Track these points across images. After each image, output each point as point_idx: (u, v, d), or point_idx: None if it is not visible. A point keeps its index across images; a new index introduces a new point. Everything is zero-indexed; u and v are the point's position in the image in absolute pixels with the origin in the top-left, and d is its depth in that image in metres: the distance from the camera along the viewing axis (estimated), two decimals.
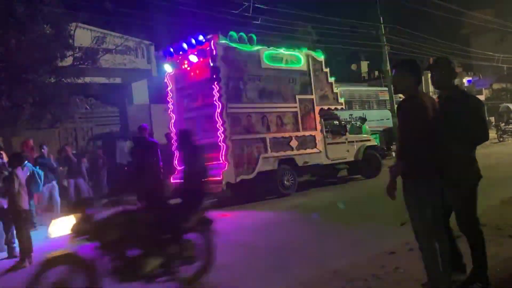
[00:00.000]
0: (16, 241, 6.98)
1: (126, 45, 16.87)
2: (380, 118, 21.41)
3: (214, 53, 10.48)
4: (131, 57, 18.55)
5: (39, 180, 7.90)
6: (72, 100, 14.26)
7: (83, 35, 15.69)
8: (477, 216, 3.71)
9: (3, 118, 12.24)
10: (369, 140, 13.82)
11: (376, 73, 40.09)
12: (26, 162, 7.59)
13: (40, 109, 13.45)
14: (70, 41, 14.36)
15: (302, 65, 12.23)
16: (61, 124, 15.62)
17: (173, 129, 11.81)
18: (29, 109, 13.12)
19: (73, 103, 14.39)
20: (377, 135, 18.38)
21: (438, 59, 3.91)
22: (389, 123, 20.97)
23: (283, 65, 11.84)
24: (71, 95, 14.14)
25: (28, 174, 7.58)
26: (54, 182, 10.65)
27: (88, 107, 16.75)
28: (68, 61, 14.35)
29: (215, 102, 10.48)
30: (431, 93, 18.24)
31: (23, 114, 12.99)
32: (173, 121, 11.86)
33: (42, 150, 10.99)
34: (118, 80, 19.34)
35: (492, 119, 34.58)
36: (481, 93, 46.13)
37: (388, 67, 22.45)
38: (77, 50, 14.93)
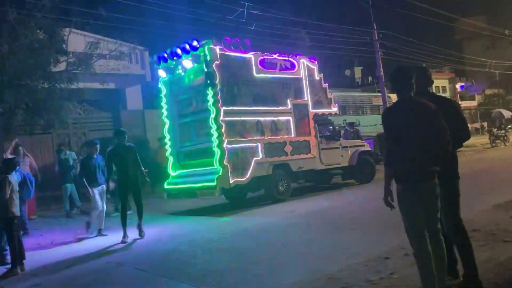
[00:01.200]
0: (8, 248, 6.90)
1: (120, 51, 16.86)
2: (374, 123, 21.48)
3: (208, 58, 10.48)
4: (125, 62, 18.53)
5: (30, 186, 7.84)
6: (65, 106, 14.17)
7: (77, 41, 15.66)
8: (460, 217, 3.80)
9: None
10: (363, 145, 13.86)
11: (370, 78, 40.32)
12: (18, 167, 7.52)
13: (33, 115, 13.40)
14: (64, 46, 14.33)
15: (296, 70, 12.26)
16: (54, 130, 15.54)
17: (167, 135, 11.79)
18: (22, 115, 13.05)
19: (66, 108, 14.30)
20: (371, 140, 18.44)
21: (415, 68, 4.00)
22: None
23: (277, 71, 11.86)
24: (64, 101, 14.06)
25: (21, 179, 7.51)
26: None
27: (81, 113, 16.67)
28: (62, 66, 14.32)
29: (209, 107, 10.47)
30: None
31: (16, 119, 12.92)
32: (167, 126, 11.83)
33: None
34: (111, 86, 19.27)
35: (485, 124, 34.85)
36: (473, 99, 46.51)
37: (382, 73, 22.57)
38: (70, 55, 14.90)
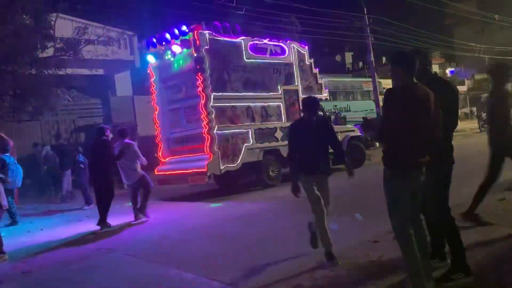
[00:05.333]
0: None
1: (108, 36, 16.67)
2: (365, 108, 21.54)
3: (198, 43, 10.40)
4: (114, 48, 18.33)
5: (13, 175, 7.80)
6: (54, 92, 14.02)
7: (64, 26, 15.45)
8: (448, 206, 3.81)
9: None
10: (353, 130, 13.90)
11: (360, 64, 40.27)
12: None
13: (21, 101, 13.24)
14: (51, 31, 14.12)
15: (286, 56, 12.21)
16: (42, 117, 15.38)
17: (157, 121, 11.72)
18: (9, 101, 12.90)
19: (54, 95, 14.15)
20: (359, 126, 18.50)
21: (410, 51, 3.97)
22: (373, 114, 21.13)
23: (267, 56, 11.80)
24: (53, 87, 13.90)
25: None
26: None
27: (70, 99, 16.51)
28: (49, 52, 14.14)
29: (199, 93, 10.41)
30: None
31: (3, 106, 12.77)
32: (157, 112, 11.76)
33: None
34: (100, 72, 19.10)
35: (474, 109, 35.06)
36: (463, 84, 46.69)
37: (372, 58, 22.55)
38: (58, 40, 14.69)
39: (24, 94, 13.22)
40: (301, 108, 4.70)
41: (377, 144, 11.79)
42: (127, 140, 8.71)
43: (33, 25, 13.32)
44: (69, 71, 14.65)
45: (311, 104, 5.03)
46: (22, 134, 15.17)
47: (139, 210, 8.57)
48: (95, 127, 17.13)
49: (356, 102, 22.35)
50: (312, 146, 4.88)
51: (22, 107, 13.72)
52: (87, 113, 19.50)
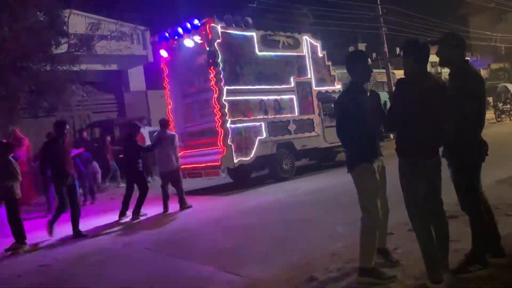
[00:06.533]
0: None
1: (121, 31, 16.75)
2: None
3: (210, 37, 10.39)
4: (127, 43, 18.43)
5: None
6: (68, 88, 14.16)
7: (78, 22, 15.57)
8: (479, 196, 3.69)
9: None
10: None
11: (374, 55, 39.87)
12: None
13: (37, 98, 13.39)
14: (65, 28, 14.23)
15: (299, 48, 12.15)
16: (58, 112, 15.56)
17: (171, 115, 11.78)
18: (26, 98, 13.06)
19: (69, 90, 14.30)
20: None
21: (446, 35, 3.86)
22: (387, 105, 20.91)
23: (279, 49, 11.75)
24: (67, 83, 14.04)
25: None
26: None
27: (84, 95, 16.66)
28: (63, 48, 14.26)
29: (211, 86, 10.42)
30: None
31: (19, 102, 12.93)
32: (170, 107, 11.81)
33: None
34: (114, 67, 19.23)
35: (490, 99, 34.55)
36: None
37: (386, 49, 22.33)
38: (72, 37, 14.81)
39: (40, 90, 13.37)
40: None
41: (392, 135, 11.68)
42: (170, 132, 9.15)
43: (47, 22, 13.44)
44: (83, 67, 14.77)
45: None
46: (39, 130, 15.37)
47: (181, 201, 8.96)
48: (111, 121, 17.34)
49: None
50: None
51: (38, 103, 13.89)
52: (102, 108, 19.69)
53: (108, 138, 14.60)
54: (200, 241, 6.35)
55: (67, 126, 7.83)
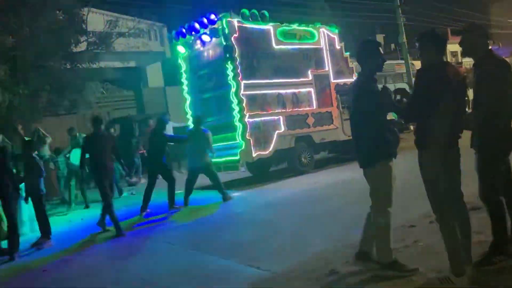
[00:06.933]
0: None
1: (138, 28, 16.87)
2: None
3: (227, 31, 10.39)
4: (144, 40, 18.57)
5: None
6: (88, 86, 14.36)
7: (96, 20, 15.74)
8: (497, 187, 3.62)
9: (22, 105, 12.42)
10: None
11: (393, 46, 39.30)
12: None
13: (57, 96, 13.61)
14: (83, 26, 14.40)
15: (316, 40, 12.05)
16: (78, 110, 15.80)
17: (189, 111, 11.83)
18: (47, 96, 13.28)
19: (89, 88, 14.50)
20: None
21: (469, 24, 3.79)
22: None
23: (296, 41, 11.68)
24: (87, 81, 14.24)
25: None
26: None
27: (104, 92, 16.88)
28: (82, 46, 14.44)
29: (229, 81, 10.43)
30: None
31: (41, 101, 13.16)
32: (188, 102, 11.87)
33: None
34: (132, 64, 19.40)
35: None
36: None
37: (405, 39, 21.99)
38: (90, 35, 14.98)
39: (60, 89, 13.59)
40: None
41: (412, 127, 11.52)
42: (204, 129, 9.25)
43: (66, 21, 13.63)
44: (102, 64, 14.96)
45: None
46: (60, 127, 15.65)
47: (220, 192, 9.06)
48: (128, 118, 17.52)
49: (388, 85, 21.88)
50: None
51: (59, 101, 14.12)
52: (121, 105, 19.91)
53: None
54: (220, 234, 6.39)
55: (104, 121, 7.99)
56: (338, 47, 12.52)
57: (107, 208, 7.31)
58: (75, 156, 10.69)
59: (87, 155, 7.60)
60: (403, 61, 22.57)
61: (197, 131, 9.20)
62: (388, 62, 26.19)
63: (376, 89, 3.72)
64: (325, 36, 12.22)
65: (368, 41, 4.02)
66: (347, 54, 12.75)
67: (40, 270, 5.83)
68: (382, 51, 3.90)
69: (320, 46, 12.12)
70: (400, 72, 22.50)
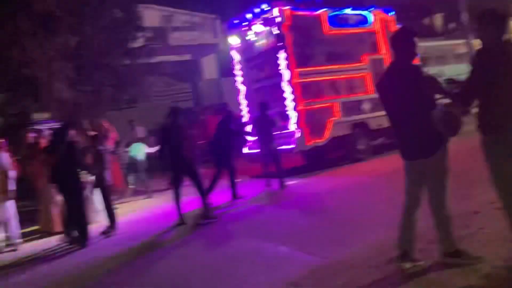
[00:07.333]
0: None
1: (192, 21, 17.20)
2: (459, 73, 20.14)
3: (279, 20, 10.36)
4: (198, 32, 18.89)
5: None
6: (147, 80, 14.86)
7: (152, 15, 16.19)
8: None
9: (87, 102, 13.06)
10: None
11: (452, 25, 37.47)
12: None
13: (118, 91, 14.19)
14: (140, 22, 14.87)
15: (370, 24, 11.76)
16: (138, 103, 16.40)
17: (244, 101, 11.95)
18: (109, 92, 13.88)
19: (147, 82, 15.00)
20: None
21: (485, 11, 3.43)
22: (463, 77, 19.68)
23: (350, 26, 11.45)
24: (146, 75, 14.73)
25: None
26: None
27: (162, 86, 17.41)
28: (140, 42, 14.92)
29: (282, 70, 10.42)
30: None
31: (104, 96, 13.78)
32: (242, 93, 11.99)
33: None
34: (187, 57, 19.81)
35: None
36: None
37: (465, 19, 20.92)
38: (147, 30, 15.45)
39: (121, 84, 14.17)
40: None
41: (473, 111, 10.99)
42: (269, 114, 9.45)
43: (124, 18, 14.13)
44: (159, 59, 15.39)
45: None
46: (121, 121, 16.34)
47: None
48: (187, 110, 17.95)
49: (449, 66, 20.94)
50: None
51: (120, 96, 14.73)
52: (178, 97, 20.42)
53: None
54: (276, 222, 6.46)
55: (181, 112, 7.93)
56: (393, 29, 12.13)
57: (203, 196, 7.41)
58: (135, 149, 11.20)
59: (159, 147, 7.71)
60: (464, 41, 21.49)
61: (264, 117, 9.37)
62: (447, 42, 25.08)
63: (421, 75, 3.60)
64: (379, 19, 11.89)
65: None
66: None
67: (108, 257, 6.18)
68: (416, 41, 3.77)
69: (374, 29, 11.81)
70: (461, 53, 21.46)
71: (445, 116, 3.44)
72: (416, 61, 3.76)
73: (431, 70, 19.31)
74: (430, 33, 37.83)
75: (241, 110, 12.17)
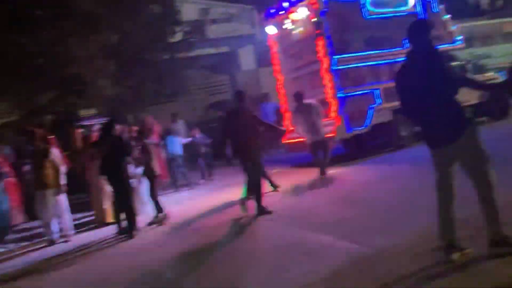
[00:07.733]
0: None
1: (229, 13, 17.24)
2: (507, 53, 19.25)
3: (316, 7, 10.23)
4: (235, 24, 18.92)
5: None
6: (186, 73, 15.06)
7: (189, 9, 16.34)
8: None
9: (130, 97, 13.38)
10: (494, 78, 12.55)
11: (499, 3, 35.76)
12: None
13: (159, 85, 14.46)
14: (178, 17, 15.04)
15: (410, 6, 11.40)
16: (178, 97, 16.66)
17: (282, 90, 11.91)
18: (150, 86, 14.17)
19: (187, 76, 15.20)
20: (504, 72, 16.60)
21: None
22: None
23: (389, 9, 11.15)
24: (185, 69, 14.92)
25: None
26: None
27: (200, 79, 17.60)
28: (178, 36, 15.11)
29: (321, 57, 10.31)
30: None
31: (145, 91, 14.08)
32: (280, 82, 11.95)
33: None
34: (225, 49, 19.90)
35: None
36: None
37: None
38: (185, 24, 15.63)
39: (161, 78, 14.42)
40: None
41: None
42: (308, 102, 9.00)
43: (162, 13, 14.34)
44: (197, 52, 15.55)
45: None
46: (163, 115, 16.69)
47: (322, 168, 8.92)
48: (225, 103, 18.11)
49: (497, 46, 20.05)
50: None
51: (160, 90, 15.01)
52: (217, 90, 20.62)
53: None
54: (318, 212, 6.44)
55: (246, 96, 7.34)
56: (435, 10, 11.72)
57: (256, 190, 6.99)
58: (171, 143, 11.36)
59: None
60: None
61: (301, 107, 8.99)
62: (494, 21, 24.03)
63: (442, 64, 3.54)
64: (419, 0, 11.50)
65: (419, 22, 3.89)
66: (446, 17, 11.89)
67: (157, 246, 6.36)
68: (431, 32, 4.05)
69: (415, 11, 11.44)
70: (509, 32, 20.50)
71: (499, 97, 3.37)
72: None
73: (477, 51, 18.64)
74: (476, 12, 36.30)
75: (279, 100, 12.16)
